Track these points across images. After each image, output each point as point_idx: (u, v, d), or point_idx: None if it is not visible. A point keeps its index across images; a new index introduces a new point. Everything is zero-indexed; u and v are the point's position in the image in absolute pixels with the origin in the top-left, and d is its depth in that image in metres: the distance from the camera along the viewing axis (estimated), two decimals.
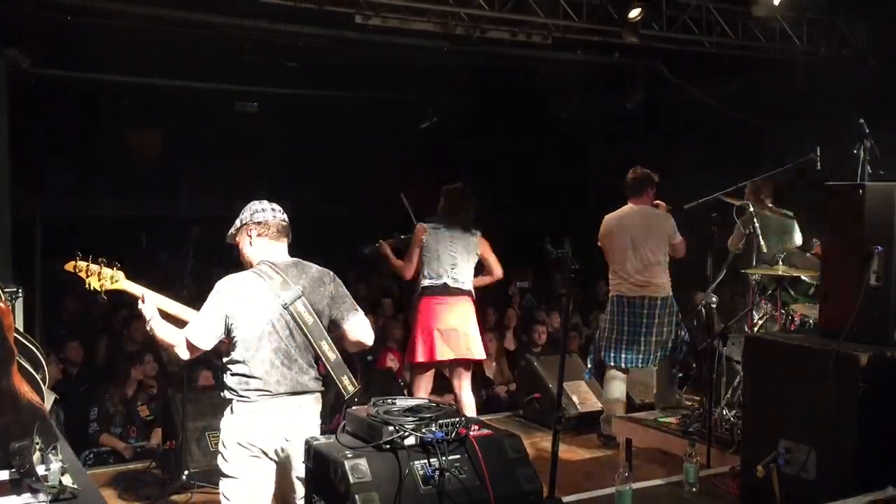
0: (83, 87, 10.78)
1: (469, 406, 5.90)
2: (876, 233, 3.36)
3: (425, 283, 5.78)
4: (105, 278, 3.70)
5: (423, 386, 5.89)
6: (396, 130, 13.29)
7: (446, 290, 5.77)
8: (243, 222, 3.73)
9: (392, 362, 7.78)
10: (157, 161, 15.28)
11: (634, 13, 8.04)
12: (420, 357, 5.78)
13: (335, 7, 7.38)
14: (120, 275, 3.73)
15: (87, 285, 3.72)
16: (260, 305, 3.56)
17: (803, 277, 5.35)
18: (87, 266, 3.71)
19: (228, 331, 3.57)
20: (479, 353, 5.94)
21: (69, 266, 3.75)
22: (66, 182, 14.56)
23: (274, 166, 15.55)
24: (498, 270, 6.11)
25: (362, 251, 6.21)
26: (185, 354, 3.63)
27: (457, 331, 5.78)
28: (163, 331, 3.62)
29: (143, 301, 3.64)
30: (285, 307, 3.56)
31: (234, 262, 3.88)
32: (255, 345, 3.55)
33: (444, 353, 5.76)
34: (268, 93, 11.77)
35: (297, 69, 10.48)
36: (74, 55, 9.47)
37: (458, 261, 5.79)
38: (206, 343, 3.59)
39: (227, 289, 3.60)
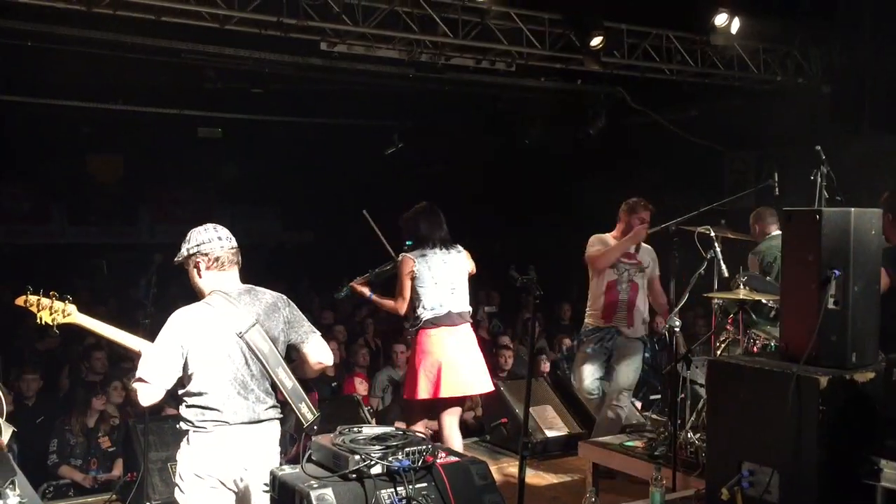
0: (42, 113, 10.66)
1: (457, 446, 5.30)
2: (833, 257, 3.42)
3: (427, 314, 5.23)
4: (57, 312, 3.62)
5: (423, 424, 5.38)
6: (361, 156, 13.32)
7: (450, 319, 5.26)
8: (189, 252, 3.63)
9: (361, 386, 7.72)
10: (118, 187, 15.14)
11: (596, 41, 8.18)
12: (423, 394, 5.20)
13: (300, 34, 7.41)
14: (72, 308, 3.65)
15: (38, 319, 3.63)
16: (214, 336, 3.50)
17: (764, 301, 5.42)
18: (39, 300, 3.63)
19: (184, 363, 3.50)
20: (487, 384, 5.44)
21: (20, 300, 3.66)
22: (25, 210, 14.33)
23: (238, 192, 15.48)
24: None
25: (337, 297, 5.84)
26: (146, 401, 3.46)
27: (463, 363, 5.27)
28: (130, 383, 3.51)
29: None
30: (240, 336, 3.51)
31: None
32: (210, 376, 3.49)
33: (449, 388, 5.20)
34: (232, 119, 11.72)
35: (262, 95, 10.47)
36: (34, 80, 9.37)
37: (456, 284, 5.31)
38: (166, 381, 3.47)
39: (179, 322, 3.52)
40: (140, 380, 3.45)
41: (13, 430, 4.11)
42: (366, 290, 5.57)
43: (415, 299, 5.27)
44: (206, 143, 12.87)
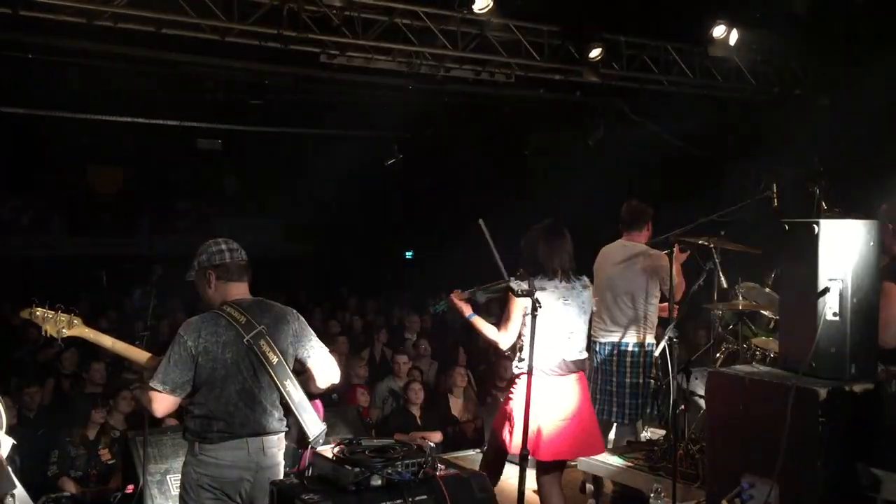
0: (42, 125, 10.69)
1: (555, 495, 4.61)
2: (831, 268, 3.44)
3: (535, 359, 4.18)
4: (62, 324, 3.64)
5: (496, 467, 4.64)
6: (361, 168, 13.35)
7: (562, 367, 4.48)
8: (201, 265, 3.66)
9: (362, 397, 7.72)
10: (118, 199, 15.17)
11: (595, 53, 8.22)
12: (515, 448, 4.36)
13: (300, 46, 7.44)
14: (77, 320, 3.68)
15: (43, 332, 3.66)
16: (224, 346, 3.52)
17: (763, 312, 5.43)
18: (44, 313, 3.65)
19: (195, 372, 3.51)
20: (597, 447, 4.73)
21: (24, 313, 3.69)
22: (24, 221, 14.35)
23: (237, 204, 15.52)
24: None
25: (433, 311, 5.12)
26: (160, 411, 3.52)
27: (568, 424, 4.48)
28: (143, 393, 3.54)
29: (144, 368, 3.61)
30: (249, 347, 3.53)
31: (197, 301, 3.84)
32: (218, 386, 3.50)
33: (548, 452, 4.45)
34: (232, 130, 11.76)
35: (262, 107, 10.50)
36: (34, 92, 9.40)
37: (574, 327, 4.51)
38: (181, 390, 3.49)
39: (190, 332, 3.53)
40: (155, 390, 3.47)
41: (13, 443, 4.11)
42: (466, 309, 4.69)
43: (523, 338, 4.44)
44: (206, 155, 12.90)
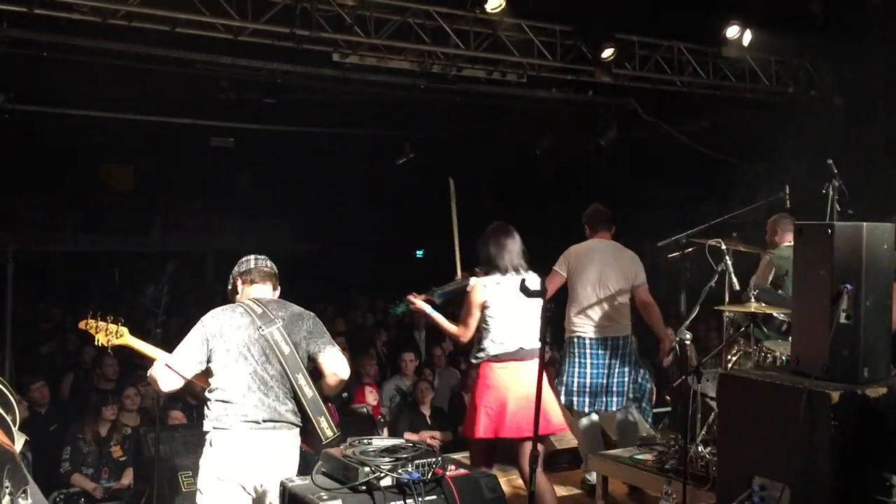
0: (56, 124, 10.74)
1: (546, 491, 4.70)
2: (845, 271, 3.42)
3: (493, 349, 4.72)
4: (111, 333, 3.93)
5: (485, 462, 4.75)
6: (373, 167, 13.35)
7: (519, 354, 4.71)
8: (232, 276, 3.95)
9: (370, 395, 7.73)
10: (131, 196, 15.23)
11: (607, 53, 8.20)
12: (482, 432, 4.66)
13: (313, 45, 7.46)
14: (124, 330, 3.95)
15: (96, 341, 3.93)
16: (237, 331, 3.70)
17: (775, 314, 5.39)
18: (97, 323, 3.94)
19: (208, 355, 3.69)
20: (557, 423, 4.84)
21: (83, 324, 3.99)
22: (39, 218, 14.43)
23: (249, 202, 15.56)
24: None
25: (392, 313, 5.44)
26: (165, 386, 3.71)
27: (530, 400, 4.46)
28: (153, 369, 3.76)
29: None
30: (261, 333, 3.69)
31: (208, 298, 3.94)
32: (230, 368, 3.67)
33: (513, 429, 4.62)
34: (244, 129, 11.79)
35: (274, 105, 10.52)
36: (48, 90, 9.45)
37: (527, 317, 4.71)
38: (187, 369, 3.67)
39: (209, 318, 3.76)
40: (166, 366, 3.69)
41: (25, 439, 4.19)
42: (426, 308, 5.01)
43: (482, 330, 4.76)
44: (219, 153, 12.94)
